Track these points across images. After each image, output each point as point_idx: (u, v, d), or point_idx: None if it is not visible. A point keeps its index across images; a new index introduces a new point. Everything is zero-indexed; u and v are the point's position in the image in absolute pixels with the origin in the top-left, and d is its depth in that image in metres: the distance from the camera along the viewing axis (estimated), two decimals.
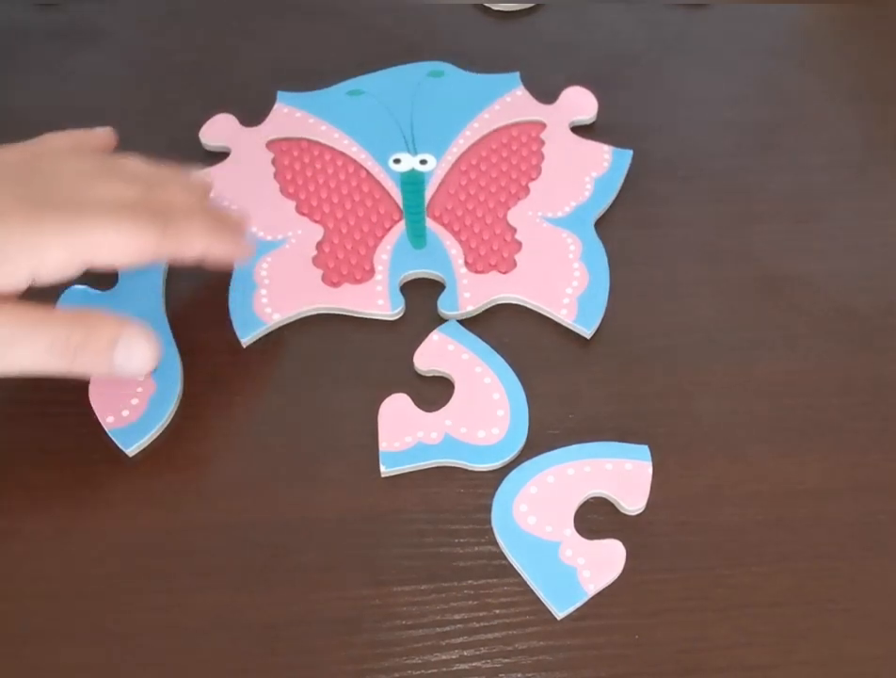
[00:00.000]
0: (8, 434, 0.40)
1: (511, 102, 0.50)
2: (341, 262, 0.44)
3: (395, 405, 0.40)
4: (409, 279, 0.44)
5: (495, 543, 0.37)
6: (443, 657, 0.35)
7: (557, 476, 0.38)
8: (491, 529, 0.37)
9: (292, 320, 0.43)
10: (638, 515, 0.38)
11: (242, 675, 0.34)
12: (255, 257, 0.44)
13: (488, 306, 0.43)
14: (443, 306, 0.43)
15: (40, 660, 0.35)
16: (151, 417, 0.39)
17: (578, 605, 0.35)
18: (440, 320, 0.42)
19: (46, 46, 0.54)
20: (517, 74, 0.51)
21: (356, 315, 0.43)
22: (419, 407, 0.40)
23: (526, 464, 0.38)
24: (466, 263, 0.44)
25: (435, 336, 0.41)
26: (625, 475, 0.38)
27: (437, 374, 0.41)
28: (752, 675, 0.35)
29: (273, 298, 0.43)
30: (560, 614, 0.35)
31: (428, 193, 0.46)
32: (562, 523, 0.37)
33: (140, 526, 0.37)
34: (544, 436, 0.40)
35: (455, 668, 0.35)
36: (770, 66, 0.54)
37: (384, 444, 0.38)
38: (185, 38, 0.55)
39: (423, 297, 0.43)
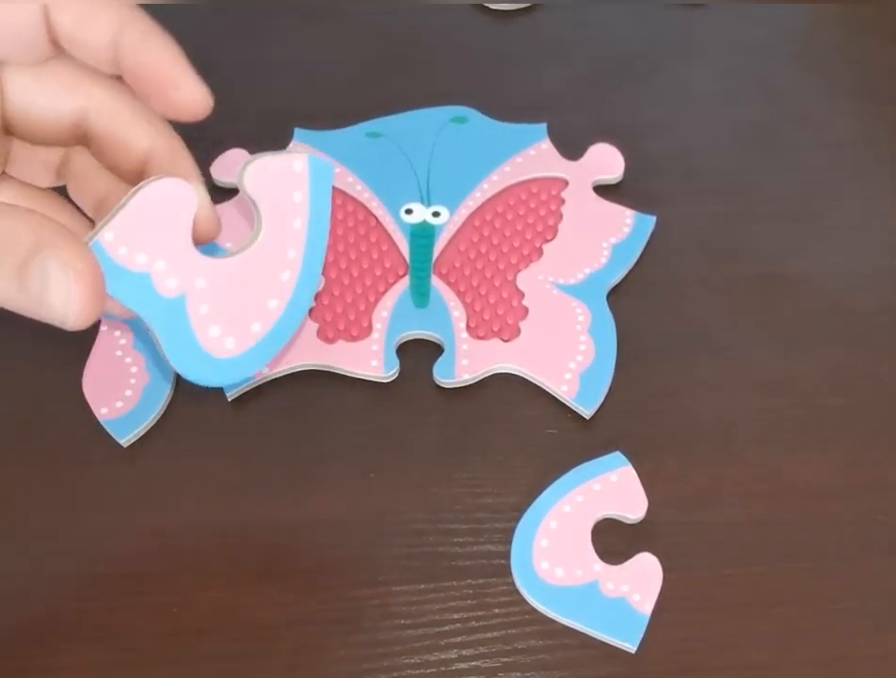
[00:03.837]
0: (2, 431, 0.40)
1: (535, 155, 0.49)
2: (338, 316, 0.43)
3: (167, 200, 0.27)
4: (408, 339, 0.43)
5: (494, 542, 0.37)
6: (442, 657, 0.35)
7: (558, 519, 0.37)
8: (491, 529, 0.37)
9: (281, 375, 0.41)
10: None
11: (241, 675, 0.35)
12: None
13: (486, 375, 0.42)
14: (439, 373, 0.41)
15: (40, 660, 0.35)
16: (145, 408, 0.40)
17: (644, 630, 0.35)
18: (435, 385, 0.41)
19: None
20: (544, 126, 0.50)
21: (348, 375, 0.42)
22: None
23: (524, 521, 0.37)
24: (468, 327, 0.43)
25: (298, 164, 0.31)
26: (615, 487, 0.38)
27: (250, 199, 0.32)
28: (752, 675, 0.35)
29: None
30: (634, 648, 0.35)
31: (437, 248, 0.45)
32: (587, 561, 0.37)
33: (138, 526, 0.38)
34: (544, 435, 0.40)
35: (454, 667, 0.35)
36: (769, 65, 0.54)
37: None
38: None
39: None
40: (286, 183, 0.29)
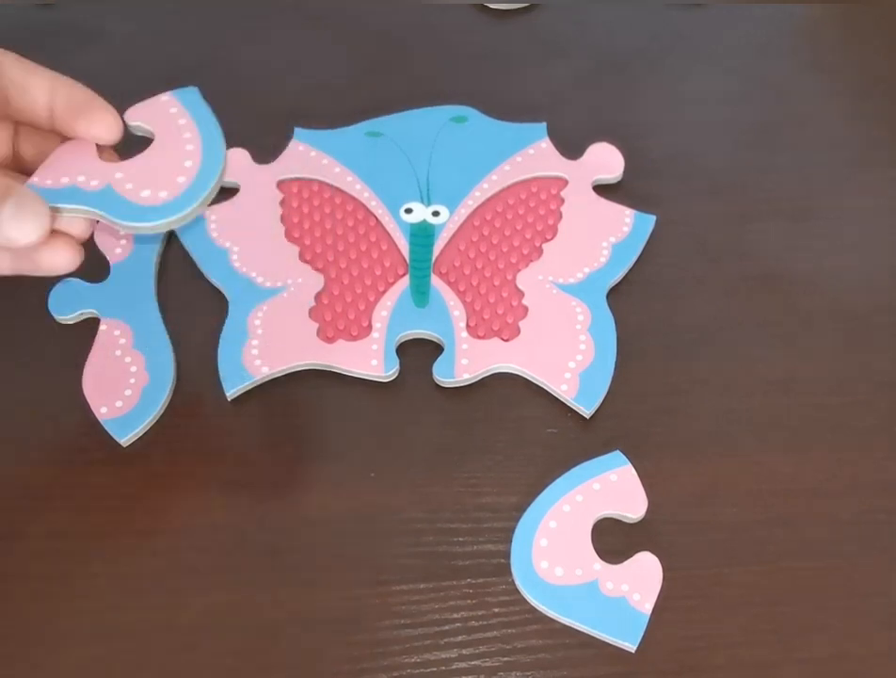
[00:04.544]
0: (3, 430, 0.40)
1: (535, 154, 0.49)
2: (338, 316, 0.43)
3: (75, 147, 0.35)
4: (407, 338, 0.43)
5: (494, 542, 0.37)
6: (442, 656, 0.35)
7: (558, 519, 0.37)
8: (491, 528, 0.37)
9: (281, 374, 0.42)
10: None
11: (241, 674, 0.35)
12: (251, 305, 0.43)
13: (486, 375, 0.42)
14: (438, 372, 0.41)
15: (40, 660, 0.35)
16: (144, 407, 0.40)
17: (643, 629, 0.35)
18: (435, 384, 0.41)
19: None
20: (544, 126, 0.50)
21: (348, 374, 0.42)
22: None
23: (524, 520, 0.38)
24: (468, 326, 0.43)
25: (164, 97, 0.37)
26: (614, 486, 0.38)
27: (142, 130, 0.37)
28: (752, 673, 0.35)
29: (264, 351, 0.42)
30: (634, 647, 0.35)
31: (437, 247, 0.45)
32: (587, 560, 0.37)
33: (138, 525, 0.38)
34: (544, 435, 0.40)
35: (453, 666, 0.35)
36: (768, 65, 0.54)
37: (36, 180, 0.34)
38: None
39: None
40: (158, 110, 0.37)
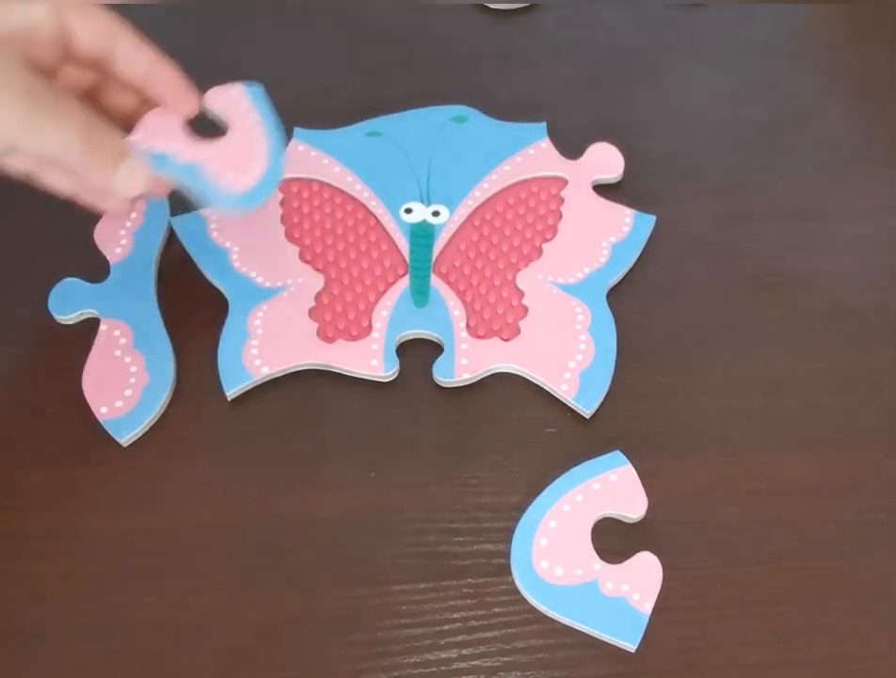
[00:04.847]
0: (2, 430, 0.40)
1: (534, 154, 0.49)
2: (338, 316, 0.43)
3: (164, 116, 0.39)
4: (407, 338, 0.43)
5: (494, 542, 0.37)
6: (442, 656, 0.35)
7: (558, 518, 0.37)
8: (491, 528, 0.37)
9: (281, 374, 0.42)
10: None
11: (241, 674, 0.35)
12: (251, 305, 0.43)
13: (486, 375, 0.42)
14: (438, 372, 0.41)
15: (40, 659, 0.35)
16: (144, 407, 0.40)
17: (643, 629, 0.35)
18: (435, 384, 0.41)
19: None
20: (543, 126, 0.50)
21: (348, 374, 0.42)
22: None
23: (524, 520, 0.37)
24: (468, 326, 0.43)
25: (236, 89, 0.41)
26: (614, 486, 0.38)
27: (215, 115, 0.40)
28: (751, 673, 0.35)
29: (264, 351, 0.42)
30: (634, 647, 0.35)
31: (437, 247, 0.45)
32: (587, 560, 0.37)
33: (138, 525, 0.38)
34: (544, 435, 0.40)
35: (454, 666, 0.35)
36: (768, 65, 0.54)
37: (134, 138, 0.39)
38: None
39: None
40: (232, 99, 0.40)
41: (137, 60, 0.39)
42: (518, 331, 0.42)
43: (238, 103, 0.40)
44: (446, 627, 0.36)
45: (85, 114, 0.37)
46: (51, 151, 0.37)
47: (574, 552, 0.37)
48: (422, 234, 0.44)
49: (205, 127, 0.39)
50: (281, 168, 0.39)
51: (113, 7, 0.39)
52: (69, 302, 0.43)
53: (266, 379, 0.41)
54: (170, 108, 0.39)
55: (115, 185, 0.38)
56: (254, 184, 0.38)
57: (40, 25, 0.37)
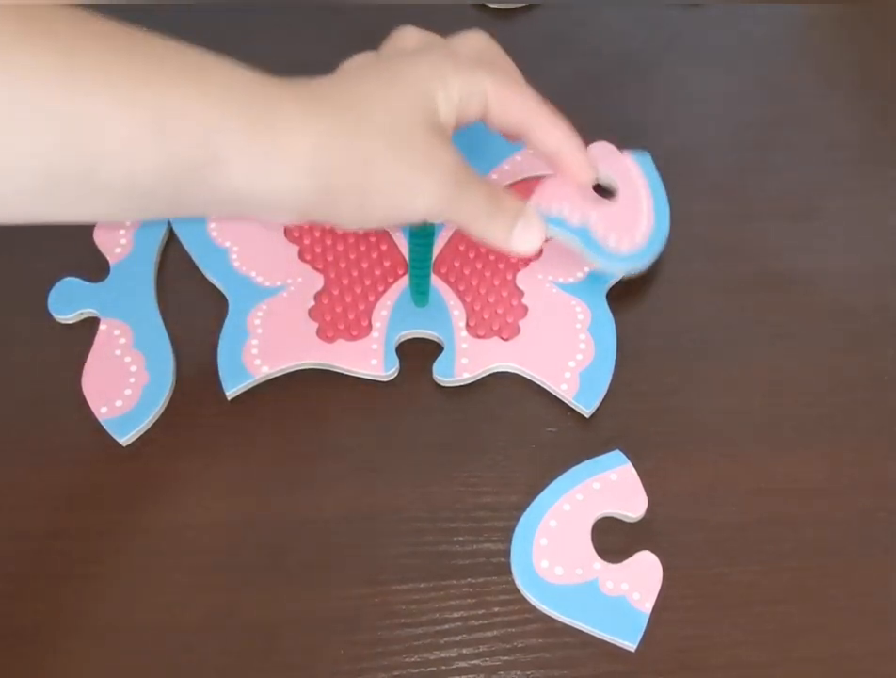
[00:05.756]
0: (2, 430, 0.40)
1: (534, 154, 0.47)
2: (338, 316, 0.43)
3: (561, 182, 0.42)
4: (407, 338, 0.43)
5: (494, 541, 0.37)
6: (442, 656, 0.35)
7: (558, 518, 0.38)
8: (491, 527, 0.37)
9: (281, 374, 0.41)
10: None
11: (241, 674, 0.35)
12: (251, 305, 0.43)
13: (485, 374, 0.42)
14: (439, 372, 0.41)
15: (40, 659, 0.35)
16: (144, 407, 0.40)
17: (643, 628, 0.35)
18: (434, 383, 0.42)
19: None
20: None
21: (347, 374, 0.42)
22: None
23: (524, 519, 0.38)
24: (468, 326, 0.43)
25: (627, 157, 0.45)
26: (614, 486, 0.38)
27: (606, 181, 0.44)
28: (751, 673, 0.35)
29: (264, 351, 0.42)
30: (634, 646, 0.35)
31: (437, 247, 0.44)
32: (587, 559, 0.37)
33: (138, 525, 0.38)
34: (544, 434, 0.40)
35: (454, 666, 0.35)
36: (768, 64, 0.54)
37: None
38: None
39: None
40: (622, 167, 0.45)
41: (551, 137, 0.40)
42: (517, 331, 0.42)
43: (627, 169, 0.45)
44: (446, 627, 0.36)
45: (487, 183, 0.39)
46: (462, 221, 0.38)
47: (574, 551, 0.37)
48: (422, 234, 0.44)
49: None
50: (666, 230, 0.43)
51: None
52: (69, 302, 0.43)
53: (266, 379, 0.41)
54: (569, 177, 0.41)
55: (512, 244, 0.39)
56: (640, 247, 0.42)
57: (477, 103, 0.38)
